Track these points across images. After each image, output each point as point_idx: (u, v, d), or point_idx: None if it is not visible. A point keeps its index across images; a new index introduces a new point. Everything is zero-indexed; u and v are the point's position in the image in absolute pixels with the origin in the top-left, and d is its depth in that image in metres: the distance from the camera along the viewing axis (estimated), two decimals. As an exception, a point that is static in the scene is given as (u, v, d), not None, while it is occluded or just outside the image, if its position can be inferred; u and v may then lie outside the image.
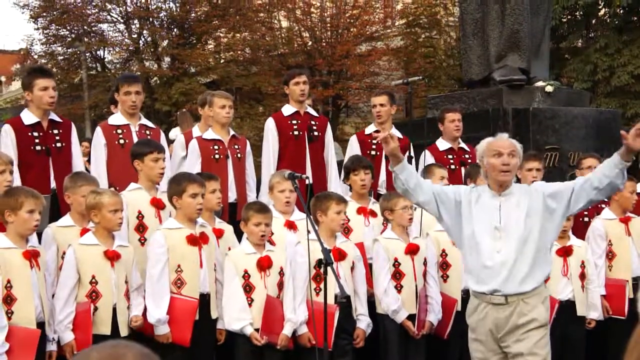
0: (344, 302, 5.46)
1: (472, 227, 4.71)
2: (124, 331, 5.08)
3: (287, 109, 7.17)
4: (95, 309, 5.01)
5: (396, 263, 5.85)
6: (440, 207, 4.81)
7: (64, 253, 5.18)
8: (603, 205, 6.96)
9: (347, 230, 6.22)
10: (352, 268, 5.76)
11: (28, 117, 5.97)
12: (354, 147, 7.35)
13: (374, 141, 7.23)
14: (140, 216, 5.61)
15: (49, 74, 6.16)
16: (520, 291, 4.62)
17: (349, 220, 6.27)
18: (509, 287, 4.62)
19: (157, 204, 5.67)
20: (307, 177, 5.47)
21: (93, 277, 5.02)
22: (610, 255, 6.64)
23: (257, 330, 5.30)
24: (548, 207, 4.69)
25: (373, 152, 7.26)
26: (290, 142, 7.05)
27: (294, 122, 7.09)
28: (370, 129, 7.44)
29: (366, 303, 5.82)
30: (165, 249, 5.23)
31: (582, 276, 6.36)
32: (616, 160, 4.52)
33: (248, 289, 5.35)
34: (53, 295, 5.09)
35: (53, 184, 5.92)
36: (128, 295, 5.16)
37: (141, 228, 5.61)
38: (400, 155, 4.78)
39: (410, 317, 5.82)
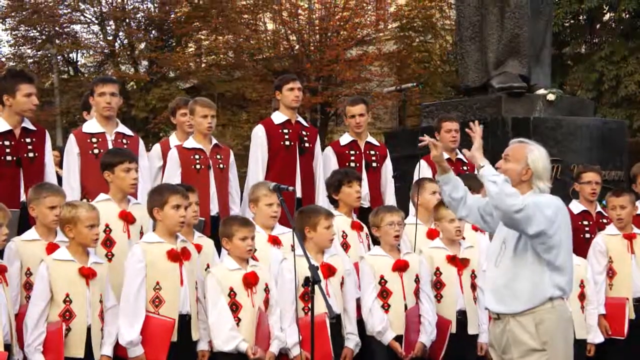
0: (333, 322, 5.44)
1: (495, 240, 4.85)
2: (97, 354, 5.07)
3: (278, 117, 7.14)
4: (68, 329, 4.99)
5: (382, 281, 5.87)
6: (488, 222, 4.93)
7: (28, 269, 5.19)
8: (605, 220, 6.99)
9: (345, 247, 6.25)
10: (342, 284, 5.78)
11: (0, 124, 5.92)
12: (331, 160, 7.30)
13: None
14: (107, 230, 5.58)
15: (33, 80, 6.12)
16: (506, 311, 4.65)
17: (346, 236, 6.29)
18: (495, 305, 4.69)
19: (126, 218, 5.65)
20: (294, 190, 5.47)
21: (67, 295, 5.01)
22: (610, 273, 6.66)
23: (249, 347, 5.30)
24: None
25: (352, 164, 7.24)
26: (281, 152, 7.04)
27: (285, 131, 7.07)
28: (345, 140, 7.41)
29: (355, 321, 5.83)
30: (144, 265, 5.21)
31: (582, 296, 6.40)
32: None
33: (235, 307, 5.34)
34: (16, 315, 5.07)
35: (23, 197, 5.83)
36: (102, 316, 5.14)
37: (108, 242, 5.59)
38: (446, 165, 4.94)
39: (400, 338, 5.82)
